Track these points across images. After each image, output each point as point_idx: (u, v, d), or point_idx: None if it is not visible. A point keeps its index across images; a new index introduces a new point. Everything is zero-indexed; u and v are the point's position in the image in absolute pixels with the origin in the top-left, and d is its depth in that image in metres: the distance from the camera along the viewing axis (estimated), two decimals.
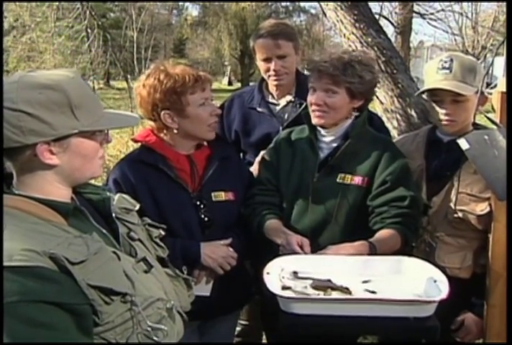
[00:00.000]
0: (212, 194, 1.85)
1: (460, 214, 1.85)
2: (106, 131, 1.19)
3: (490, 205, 1.79)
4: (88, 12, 7.70)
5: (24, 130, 1.04)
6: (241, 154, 2.42)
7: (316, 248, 1.71)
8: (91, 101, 1.14)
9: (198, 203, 1.82)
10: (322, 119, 1.83)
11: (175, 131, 1.82)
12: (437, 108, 1.90)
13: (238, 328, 2.48)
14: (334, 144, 1.87)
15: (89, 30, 8.69)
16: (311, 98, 1.84)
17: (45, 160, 1.08)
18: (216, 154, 1.90)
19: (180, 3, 31.41)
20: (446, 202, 1.89)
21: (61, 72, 1.14)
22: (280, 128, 2.25)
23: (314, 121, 1.85)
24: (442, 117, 1.89)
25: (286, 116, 2.30)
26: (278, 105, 2.35)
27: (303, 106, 2.23)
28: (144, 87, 1.79)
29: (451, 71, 1.85)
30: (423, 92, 1.96)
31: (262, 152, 2.20)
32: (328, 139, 1.88)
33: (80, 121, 1.09)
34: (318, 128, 1.89)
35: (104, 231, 1.20)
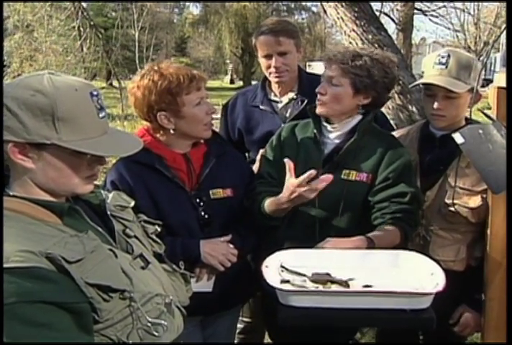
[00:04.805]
0: (210, 192, 1.84)
1: (454, 208, 1.87)
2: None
3: (482, 198, 1.82)
4: (80, 12, 7.68)
5: (2, 125, 1.03)
6: (246, 153, 2.42)
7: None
8: (84, 119, 1.08)
9: (196, 201, 1.82)
10: (322, 108, 1.84)
11: (172, 131, 1.81)
12: (429, 103, 1.92)
13: (241, 326, 2.49)
14: (339, 140, 1.87)
15: (81, 29, 8.66)
16: (318, 87, 1.86)
17: (16, 160, 1.06)
18: (213, 151, 1.90)
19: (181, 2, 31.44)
20: (439, 196, 1.91)
21: (74, 81, 1.10)
22: (282, 125, 2.24)
23: (317, 109, 1.86)
24: (433, 111, 1.91)
25: (288, 113, 2.31)
26: (281, 102, 2.35)
27: (305, 102, 2.25)
28: (138, 88, 1.76)
29: (446, 67, 1.86)
30: (417, 85, 2.00)
31: (261, 151, 2.21)
32: (333, 135, 1.88)
33: (58, 134, 1.05)
34: (324, 123, 1.89)
35: (100, 229, 1.19)
